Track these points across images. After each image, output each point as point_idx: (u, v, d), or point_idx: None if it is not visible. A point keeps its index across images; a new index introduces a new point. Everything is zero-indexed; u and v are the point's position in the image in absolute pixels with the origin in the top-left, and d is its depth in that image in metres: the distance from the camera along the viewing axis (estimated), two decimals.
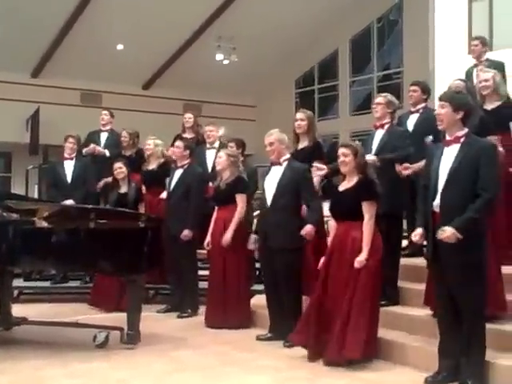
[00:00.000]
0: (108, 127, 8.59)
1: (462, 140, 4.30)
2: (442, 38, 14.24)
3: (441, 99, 4.40)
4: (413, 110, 6.15)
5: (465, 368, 4.26)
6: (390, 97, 5.77)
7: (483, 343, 4.27)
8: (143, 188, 7.42)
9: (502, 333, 4.57)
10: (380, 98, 5.72)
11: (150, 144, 7.55)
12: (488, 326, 4.34)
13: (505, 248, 5.15)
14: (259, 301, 6.26)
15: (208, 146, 7.79)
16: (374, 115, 5.75)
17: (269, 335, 5.74)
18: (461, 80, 5.64)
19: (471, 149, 4.25)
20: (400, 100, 17.58)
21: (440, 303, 4.42)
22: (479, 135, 4.43)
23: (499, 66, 6.58)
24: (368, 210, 4.90)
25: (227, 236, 6.23)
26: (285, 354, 5.29)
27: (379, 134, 5.67)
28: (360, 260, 4.81)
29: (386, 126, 5.66)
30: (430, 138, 5.77)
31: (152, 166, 7.56)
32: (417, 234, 4.43)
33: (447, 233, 4.13)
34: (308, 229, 5.49)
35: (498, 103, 5.73)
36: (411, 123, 6.11)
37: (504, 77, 6.31)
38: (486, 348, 4.28)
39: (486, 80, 5.75)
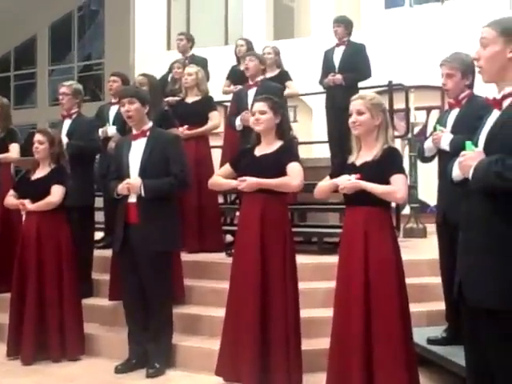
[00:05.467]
0: None
1: (147, 133, 4.46)
2: (142, 32, 14.55)
3: (128, 96, 4.47)
4: (114, 101, 6.19)
5: (153, 353, 4.42)
6: (75, 85, 5.72)
7: (170, 328, 4.48)
8: None
9: (185, 316, 4.82)
10: (64, 88, 5.63)
11: None
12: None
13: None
14: None
15: None
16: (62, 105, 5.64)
17: None
18: (144, 75, 5.84)
19: (158, 141, 4.43)
20: (101, 92, 17.67)
21: (128, 293, 4.49)
22: (161, 127, 4.64)
23: (202, 62, 6.93)
24: (56, 195, 4.81)
25: None
26: None
27: (67, 124, 5.61)
28: None
29: (74, 116, 5.62)
30: None
31: None
32: None
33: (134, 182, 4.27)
34: None
35: (198, 98, 6.08)
36: (112, 114, 6.17)
37: (207, 72, 6.68)
38: (172, 332, 4.50)
39: (190, 74, 6.09)
